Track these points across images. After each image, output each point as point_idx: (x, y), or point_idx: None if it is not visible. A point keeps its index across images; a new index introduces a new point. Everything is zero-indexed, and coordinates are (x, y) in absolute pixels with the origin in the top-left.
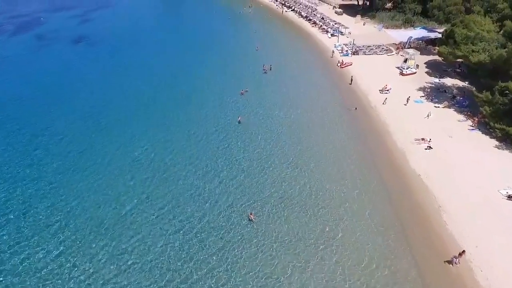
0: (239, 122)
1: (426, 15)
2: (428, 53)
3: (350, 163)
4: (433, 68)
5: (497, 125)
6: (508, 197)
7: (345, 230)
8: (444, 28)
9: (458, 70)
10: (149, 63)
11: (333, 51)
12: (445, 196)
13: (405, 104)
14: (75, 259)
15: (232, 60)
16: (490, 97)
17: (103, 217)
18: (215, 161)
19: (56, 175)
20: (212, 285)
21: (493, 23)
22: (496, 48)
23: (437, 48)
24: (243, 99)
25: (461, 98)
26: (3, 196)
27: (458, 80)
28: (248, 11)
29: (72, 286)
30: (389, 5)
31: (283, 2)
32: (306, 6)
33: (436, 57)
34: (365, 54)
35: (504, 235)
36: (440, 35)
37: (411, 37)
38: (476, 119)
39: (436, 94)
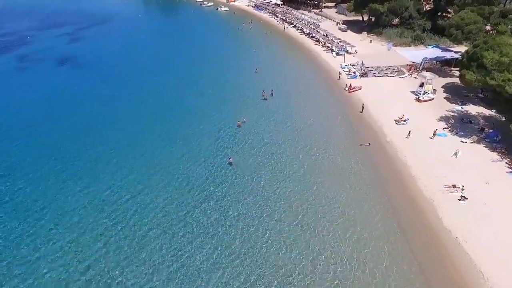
0: (230, 163)
1: (436, 31)
2: (444, 75)
3: (373, 226)
4: (452, 93)
5: None
6: None
7: None
8: (464, 48)
9: (481, 95)
10: (137, 91)
11: (340, 73)
12: (493, 270)
13: (431, 138)
14: None
15: (229, 85)
16: None
17: None
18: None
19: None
20: None
21: None
22: None
23: (453, 69)
24: (240, 133)
25: (492, 132)
26: None
27: (483, 108)
28: (248, 27)
29: None
30: (396, 21)
31: (283, 18)
32: (308, 22)
33: (454, 80)
34: (375, 76)
35: None
36: (456, 55)
37: (426, 58)
38: None
39: (460, 125)
